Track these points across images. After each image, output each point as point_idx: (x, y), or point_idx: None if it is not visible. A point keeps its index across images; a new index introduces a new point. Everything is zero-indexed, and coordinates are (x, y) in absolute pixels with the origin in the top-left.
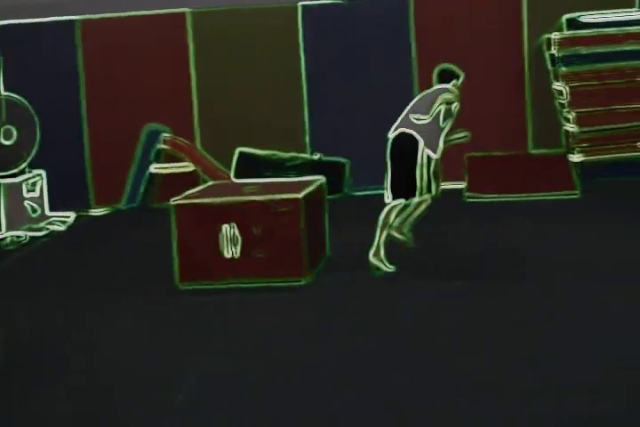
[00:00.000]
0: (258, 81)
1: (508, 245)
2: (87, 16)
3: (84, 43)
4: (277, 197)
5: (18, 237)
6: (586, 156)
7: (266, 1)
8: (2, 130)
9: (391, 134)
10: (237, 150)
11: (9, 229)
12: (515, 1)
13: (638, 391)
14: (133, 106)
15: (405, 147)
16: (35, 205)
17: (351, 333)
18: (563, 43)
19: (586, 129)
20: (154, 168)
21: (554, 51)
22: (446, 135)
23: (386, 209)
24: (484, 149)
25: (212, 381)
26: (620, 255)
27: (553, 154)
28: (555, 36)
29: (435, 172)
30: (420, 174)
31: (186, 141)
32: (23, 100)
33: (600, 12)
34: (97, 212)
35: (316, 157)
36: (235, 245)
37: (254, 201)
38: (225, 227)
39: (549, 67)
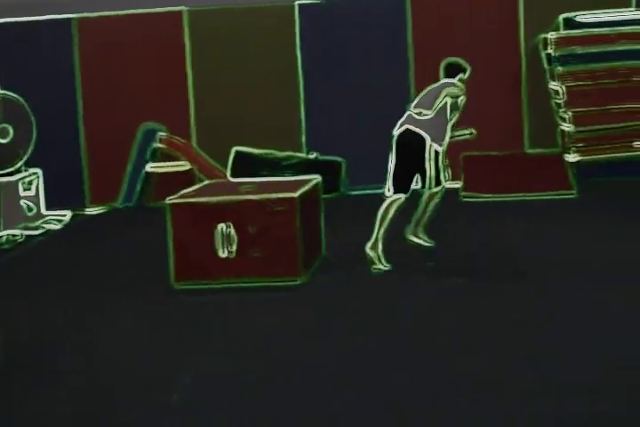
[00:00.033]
0: (254, 80)
1: (505, 245)
2: (84, 14)
3: (80, 41)
4: (273, 196)
5: (14, 235)
6: (582, 155)
7: (262, 0)
8: None
9: (396, 131)
10: (234, 149)
11: (5, 227)
12: (511, 1)
13: (638, 391)
14: (130, 104)
15: (411, 143)
16: (31, 203)
17: (349, 332)
18: (559, 42)
19: (582, 129)
20: (150, 167)
21: (550, 50)
22: (452, 131)
23: (386, 203)
24: (480, 148)
25: (211, 381)
26: (616, 255)
27: (549, 154)
28: (551, 35)
29: (443, 163)
30: (429, 168)
31: (182, 140)
32: (20, 98)
33: (596, 11)
34: (93, 211)
35: (312, 156)
36: (230, 245)
37: (250, 200)
38: (220, 226)
39: (546, 66)
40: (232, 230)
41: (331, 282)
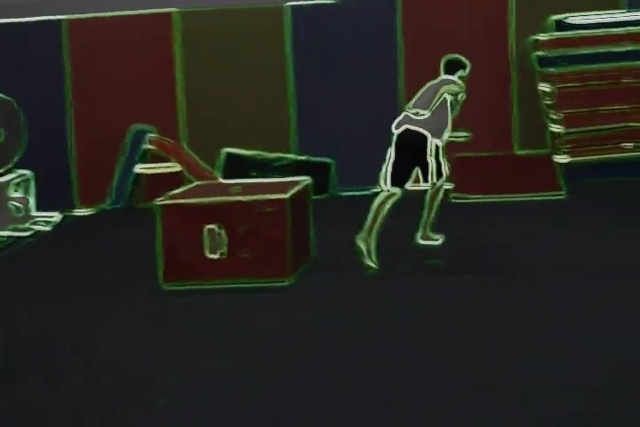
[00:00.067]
0: (244, 81)
1: (496, 246)
2: (74, 16)
3: (70, 42)
4: (263, 197)
5: (2, 237)
6: (571, 157)
7: (253, 1)
8: None
9: (395, 130)
10: (224, 151)
11: None
12: (502, 2)
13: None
14: (119, 106)
15: (412, 142)
16: (20, 204)
17: (343, 332)
18: (549, 44)
19: (572, 130)
20: (139, 168)
21: (540, 52)
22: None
23: (381, 196)
24: (469, 149)
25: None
26: (608, 256)
27: (538, 155)
28: (542, 37)
29: (443, 156)
30: (431, 163)
31: (172, 142)
32: (9, 99)
33: (587, 13)
34: (82, 212)
35: (303, 157)
36: (218, 248)
37: (240, 201)
38: (209, 228)
39: (536, 68)
40: (222, 232)
41: (320, 283)
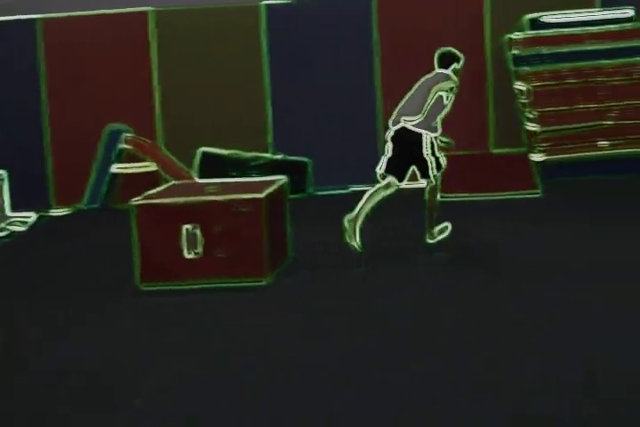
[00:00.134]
0: (220, 80)
1: (481, 244)
2: (48, 15)
3: (45, 42)
4: (239, 196)
5: None
6: (547, 155)
7: (228, 0)
8: None
9: (392, 126)
10: (200, 150)
11: None
12: (477, 1)
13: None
14: (95, 105)
15: (408, 139)
16: None
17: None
18: (524, 43)
19: (547, 128)
20: (115, 168)
21: (515, 51)
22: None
23: (377, 186)
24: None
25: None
26: (593, 254)
27: (514, 153)
28: (516, 36)
29: (439, 150)
30: (429, 159)
31: (148, 141)
32: None
33: (561, 12)
34: (58, 212)
35: (279, 156)
36: (195, 246)
37: (215, 201)
38: (185, 228)
39: (511, 67)
40: (198, 231)
41: (297, 283)
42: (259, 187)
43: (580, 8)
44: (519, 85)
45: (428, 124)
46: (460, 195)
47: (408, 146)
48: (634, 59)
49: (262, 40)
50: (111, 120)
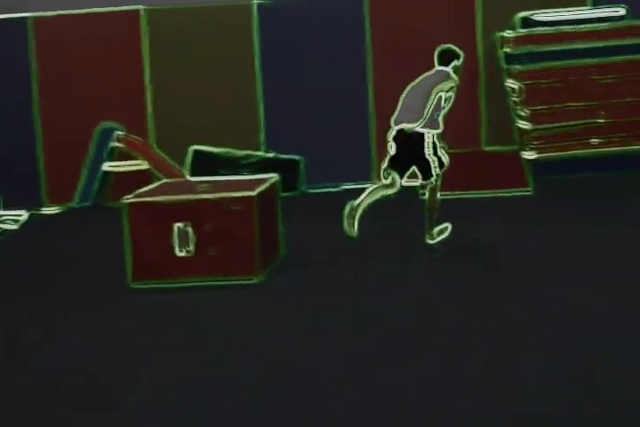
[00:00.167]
0: (212, 79)
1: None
2: (40, 13)
3: (36, 40)
4: (231, 195)
5: None
6: (539, 153)
7: None
8: None
9: (394, 125)
10: (192, 148)
11: None
12: None
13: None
14: (87, 104)
15: (410, 139)
16: None
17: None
18: (516, 41)
19: (539, 126)
20: (107, 166)
21: (507, 49)
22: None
23: (385, 181)
24: None
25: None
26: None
27: (506, 151)
28: (508, 34)
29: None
30: (431, 159)
31: (140, 139)
32: None
33: (553, 10)
34: (50, 210)
35: (271, 155)
36: (187, 244)
37: (207, 199)
38: (177, 226)
39: (503, 65)
40: (189, 229)
41: (289, 281)
42: (250, 185)
43: (572, 6)
44: (511, 83)
45: (430, 122)
46: (451, 192)
47: (410, 146)
48: (625, 57)
49: (254, 39)
50: (103, 118)
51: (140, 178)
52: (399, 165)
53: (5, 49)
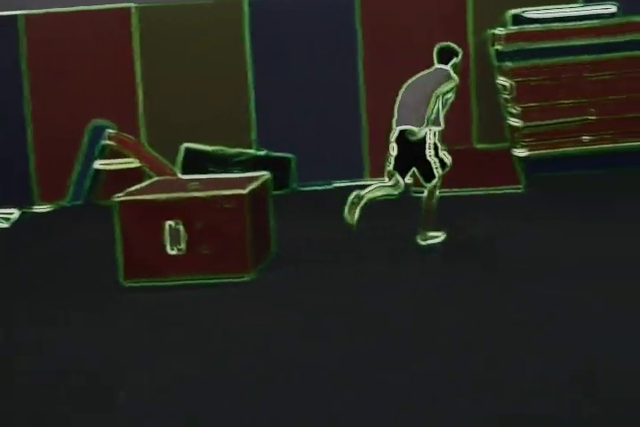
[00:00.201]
0: (204, 77)
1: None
2: (31, 11)
3: (27, 38)
4: (222, 193)
5: None
6: (530, 150)
7: None
8: None
9: (396, 126)
10: (183, 146)
11: None
12: None
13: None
14: (78, 102)
15: (412, 141)
16: None
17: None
18: (507, 38)
19: (530, 124)
20: (98, 164)
21: (498, 46)
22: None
23: (389, 181)
24: None
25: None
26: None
27: (497, 148)
28: (499, 31)
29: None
30: (432, 161)
31: (131, 137)
32: None
33: (544, 7)
34: (41, 208)
35: (263, 152)
36: (178, 243)
37: (199, 197)
38: (168, 224)
39: (494, 62)
40: (181, 227)
41: (280, 279)
42: (242, 183)
43: (563, 4)
44: (502, 81)
45: (431, 121)
46: (442, 190)
47: (411, 147)
48: (616, 54)
49: (245, 37)
50: (94, 116)
51: (132, 176)
52: (401, 166)
53: None
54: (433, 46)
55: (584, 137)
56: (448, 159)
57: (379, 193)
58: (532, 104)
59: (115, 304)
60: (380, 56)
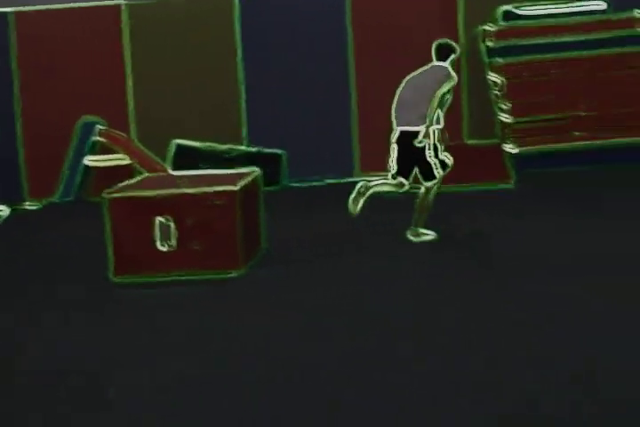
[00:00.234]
0: (194, 74)
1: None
2: (21, 8)
3: (17, 35)
4: (213, 189)
5: None
6: (520, 146)
7: None
8: None
9: (397, 126)
10: (174, 142)
11: None
12: None
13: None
14: (68, 98)
15: (412, 141)
16: None
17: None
18: (498, 34)
19: (520, 120)
20: (89, 161)
21: (489, 42)
22: None
23: (393, 180)
24: None
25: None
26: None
27: (488, 144)
28: (490, 27)
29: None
30: (432, 161)
31: (121, 134)
32: None
33: (535, 3)
34: (31, 205)
35: (254, 149)
36: (168, 239)
37: (189, 194)
38: (158, 220)
39: (485, 58)
40: (171, 224)
41: (270, 275)
42: (233, 179)
43: (554, 0)
44: (493, 77)
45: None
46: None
47: (411, 147)
48: (607, 50)
49: (236, 33)
50: (84, 113)
51: (122, 172)
52: (403, 167)
53: None
54: (423, 43)
55: (574, 133)
56: (449, 160)
57: (384, 188)
58: (523, 100)
59: (109, 302)
60: (370, 53)
